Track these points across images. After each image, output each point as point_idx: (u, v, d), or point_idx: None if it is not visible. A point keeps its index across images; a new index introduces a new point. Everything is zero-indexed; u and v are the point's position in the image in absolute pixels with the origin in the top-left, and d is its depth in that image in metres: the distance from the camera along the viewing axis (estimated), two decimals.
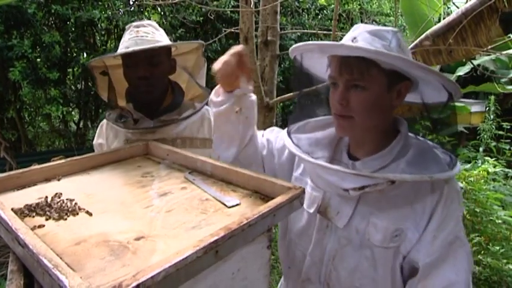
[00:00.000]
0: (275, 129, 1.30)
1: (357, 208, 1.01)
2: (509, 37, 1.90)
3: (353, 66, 0.93)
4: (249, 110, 1.17)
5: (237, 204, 0.93)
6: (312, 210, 1.10)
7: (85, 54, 4.62)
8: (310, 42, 1.02)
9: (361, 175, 0.94)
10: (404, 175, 0.90)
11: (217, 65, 1.10)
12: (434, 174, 0.90)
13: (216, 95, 1.18)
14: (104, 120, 1.56)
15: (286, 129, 1.16)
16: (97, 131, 1.59)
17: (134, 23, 1.44)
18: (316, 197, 1.08)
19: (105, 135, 1.53)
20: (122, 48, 1.38)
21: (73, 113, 5.26)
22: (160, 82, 1.43)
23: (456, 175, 0.95)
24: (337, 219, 1.03)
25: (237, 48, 1.10)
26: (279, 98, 2.88)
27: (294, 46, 1.05)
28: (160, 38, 1.42)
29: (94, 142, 1.58)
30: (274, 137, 1.25)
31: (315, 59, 1.08)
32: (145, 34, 1.38)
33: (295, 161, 1.20)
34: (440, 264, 0.92)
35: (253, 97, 1.18)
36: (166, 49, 1.44)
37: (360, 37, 0.96)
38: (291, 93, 2.90)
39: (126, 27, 1.47)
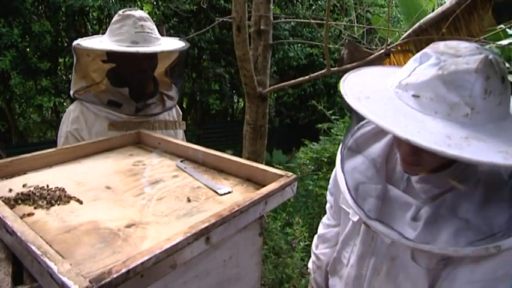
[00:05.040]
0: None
1: None
2: (501, 27, 1.90)
3: None
4: None
5: (228, 192, 0.93)
6: (355, 219, 1.06)
7: None
8: (369, 115, 0.76)
9: (419, 249, 0.86)
10: (466, 249, 0.81)
11: None
12: (503, 243, 0.80)
13: None
14: (75, 105, 1.53)
15: (339, 163, 1.04)
16: (69, 118, 1.51)
17: (135, 13, 1.47)
18: None
19: (83, 119, 1.49)
20: (127, 40, 1.43)
21: (65, 103, 5.18)
22: (152, 74, 1.60)
23: None
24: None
25: None
26: (271, 87, 2.86)
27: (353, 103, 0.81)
28: (158, 34, 1.52)
29: (68, 129, 1.49)
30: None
31: None
32: (150, 30, 1.47)
33: None
34: None
35: None
36: None
37: (428, 91, 0.76)
38: (284, 83, 2.88)
39: (121, 12, 1.49)
